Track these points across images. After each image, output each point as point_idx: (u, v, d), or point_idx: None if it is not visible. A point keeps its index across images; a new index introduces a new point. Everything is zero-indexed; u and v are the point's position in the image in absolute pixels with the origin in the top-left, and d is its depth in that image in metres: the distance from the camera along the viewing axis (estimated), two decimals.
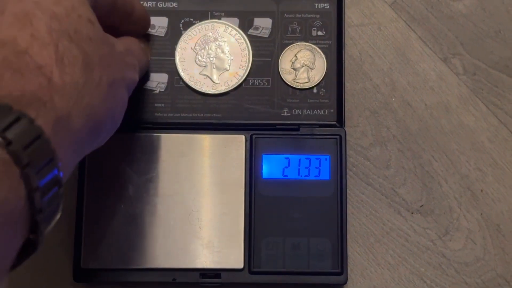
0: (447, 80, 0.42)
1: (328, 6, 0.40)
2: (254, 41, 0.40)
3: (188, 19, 0.40)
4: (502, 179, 0.41)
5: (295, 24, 0.40)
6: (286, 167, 0.38)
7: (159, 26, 0.40)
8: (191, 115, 0.39)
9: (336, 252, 0.37)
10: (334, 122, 0.39)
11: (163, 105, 0.39)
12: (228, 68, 0.40)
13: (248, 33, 0.40)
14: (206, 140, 0.39)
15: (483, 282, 0.39)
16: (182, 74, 0.39)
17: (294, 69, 0.40)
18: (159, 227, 0.37)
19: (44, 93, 0.25)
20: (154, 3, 0.40)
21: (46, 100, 0.25)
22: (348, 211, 0.39)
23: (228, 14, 0.40)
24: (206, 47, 0.40)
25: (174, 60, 0.40)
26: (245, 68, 0.39)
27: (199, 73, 0.39)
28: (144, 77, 0.39)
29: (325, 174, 0.38)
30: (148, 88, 0.39)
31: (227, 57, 0.40)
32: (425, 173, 0.41)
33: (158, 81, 0.39)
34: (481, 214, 0.40)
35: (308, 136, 0.39)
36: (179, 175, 0.38)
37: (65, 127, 0.25)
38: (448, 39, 0.43)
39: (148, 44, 0.39)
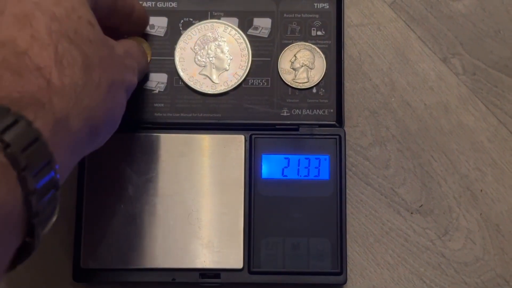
0: (446, 80, 0.42)
1: (328, 6, 0.40)
2: (254, 41, 0.40)
3: (187, 19, 0.40)
4: (502, 179, 0.41)
5: (294, 24, 0.40)
6: (286, 167, 0.38)
7: (158, 26, 0.40)
8: (190, 115, 0.39)
9: (335, 252, 0.37)
10: (334, 122, 0.39)
11: (162, 105, 0.39)
12: (228, 68, 0.40)
13: (248, 33, 0.40)
14: (205, 140, 0.39)
15: (482, 282, 0.39)
16: (181, 74, 0.39)
17: (294, 69, 0.40)
18: (159, 227, 0.37)
19: (43, 95, 0.25)
20: (153, 3, 0.40)
21: (45, 101, 0.24)
22: (348, 211, 0.39)
23: (228, 14, 0.40)
24: (206, 47, 0.40)
25: (173, 60, 0.40)
26: (245, 68, 0.39)
27: (199, 73, 0.39)
28: (144, 78, 0.39)
29: (325, 174, 0.38)
30: (147, 88, 0.39)
31: (227, 57, 0.40)
32: (425, 173, 0.41)
33: (157, 81, 0.39)
34: (481, 214, 0.40)
35: (308, 136, 0.39)
36: (179, 175, 0.38)
37: (64, 129, 0.25)
38: (447, 39, 0.43)
39: (149, 45, 0.39)
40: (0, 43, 0.25)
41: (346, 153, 0.39)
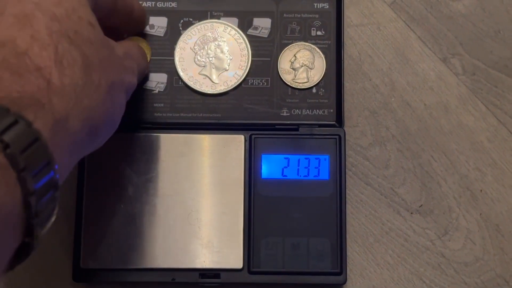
0: (446, 80, 0.42)
1: (328, 6, 0.40)
2: (254, 41, 0.40)
3: (187, 19, 0.40)
4: (502, 179, 0.41)
5: (294, 24, 0.40)
6: (286, 167, 0.38)
7: (158, 26, 0.40)
8: (190, 115, 0.39)
9: (335, 252, 0.37)
10: (334, 122, 0.39)
11: (162, 105, 0.39)
12: (228, 68, 0.40)
13: (248, 33, 0.40)
14: (205, 140, 0.39)
15: (482, 282, 0.39)
16: (181, 74, 0.39)
17: (294, 69, 0.40)
18: (159, 227, 0.37)
19: (43, 95, 0.25)
20: (153, 3, 0.40)
21: (44, 101, 0.24)
22: (348, 211, 0.39)
23: (228, 14, 0.40)
24: (205, 47, 0.40)
25: (173, 60, 0.40)
26: (244, 68, 0.39)
27: (199, 73, 0.39)
28: (144, 78, 0.39)
29: (325, 174, 0.38)
30: (147, 88, 0.39)
31: (226, 57, 0.40)
32: (425, 173, 0.41)
33: (157, 81, 0.39)
34: (480, 214, 0.40)
35: (308, 136, 0.39)
36: (179, 175, 0.38)
37: (63, 129, 0.25)
38: (447, 39, 0.43)
39: (148, 45, 0.39)
40: (0, 43, 0.25)
41: (346, 153, 0.39)
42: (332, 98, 0.39)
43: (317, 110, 0.39)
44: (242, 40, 0.40)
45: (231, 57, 0.40)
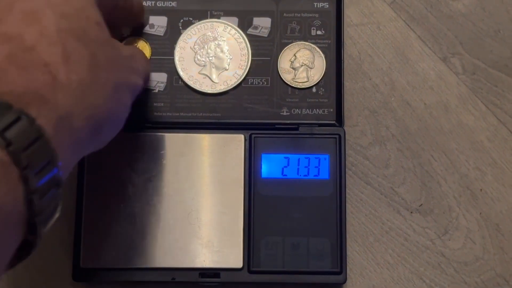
0: (446, 80, 0.42)
1: (328, 6, 0.40)
2: (253, 40, 0.40)
3: (187, 19, 0.40)
4: (502, 178, 0.41)
5: (294, 23, 0.40)
6: (286, 167, 0.38)
7: (158, 25, 0.40)
8: (190, 114, 0.39)
9: (335, 252, 0.37)
10: (333, 122, 0.39)
11: (162, 104, 0.39)
12: (227, 68, 0.40)
13: (247, 32, 0.40)
14: (205, 140, 0.39)
15: (482, 281, 0.39)
16: (181, 73, 0.39)
17: (293, 68, 0.40)
18: (159, 227, 0.37)
19: (48, 91, 0.24)
20: (153, 2, 0.40)
21: (49, 97, 0.24)
22: (348, 211, 0.39)
23: (227, 13, 0.40)
24: (205, 46, 0.40)
25: (173, 60, 0.40)
26: (244, 67, 0.39)
27: (198, 73, 0.39)
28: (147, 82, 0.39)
29: (324, 174, 0.38)
30: (147, 87, 0.39)
31: (226, 56, 0.40)
32: (425, 172, 0.41)
33: (157, 80, 0.39)
34: (480, 213, 0.40)
35: (307, 136, 0.39)
36: (179, 175, 0.38)
37: (67, 126, 0.25)
38: (447, 39, 0.43)
39: (149, 45, 0.39)
40: (7, 37, 0.25)
41: (346, 152, 0.39)
42: (332, 97, 0.39)
43: (317, 110, 0.39)
44: (242, 40, 0.40)
45: (231, 57, 0.40)
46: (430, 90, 0.42)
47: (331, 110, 0.39)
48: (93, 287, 0.39)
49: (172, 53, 0.40)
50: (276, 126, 0.39)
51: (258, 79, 0.40)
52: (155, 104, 0.39)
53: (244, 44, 0.40)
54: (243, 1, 0.40)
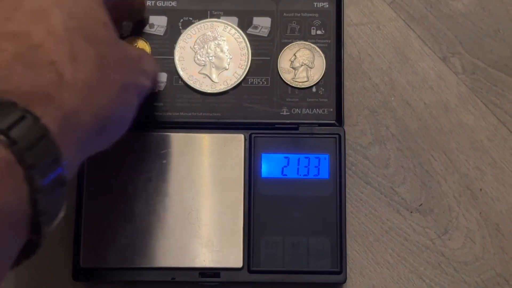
0: (446, 79, 0.42)
1: (327, 5, 0.40)
2: (253, 40, 0.40)
3: (187, 18, 0.40)
4: (501, 178, 0.41)
5: (294, 23, 0.40)
6: (285, 166, 0.38)
7: (158, 25, 0.40)
8: (190, 114, 0.39)
9: (335, 251, 0.37)
10: (333, 121, 0.39)
11: (162, 104, 0.39)
12: (227, 67, 0.40)
13: (247, 32, 0.40)
14: (205, 140, 0.39)
15: (482, 281, 0.39)
16: (181, 73, 0.39)
17: (293, 68, 0.40)
18: (158, 226, 0.37)
19: (54, 89, 0.24)
20: (153, 1, 0.40)
21: (55, 96, 0.24)
22: (347, 210, 0.39)
23: (227, 13, 0.40)
24: (205, 46, 0.40)
25: (173, 59, 0.40)
26: (244, 67, 0.39)
27: (198, 72, 0.39)
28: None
29: (324, 173, 0.38)
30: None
31: (226, 56, 0.40)
32: (424, 172, 0.41)
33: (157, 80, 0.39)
34: (480, 213, 0.40)
35: (307, 135, 0.39)
36: (179, 175, 0.38)
37: (72, 125, 0.25)
38: (447, 38, 0.43)
39: (148, 44, 0.39)
40: (14, 35, 0.25)
41: (346, 152, 0.39)
42: (332, 97, 0.39)
43: (317, 109, 0.39)
44: (242, 39, 0.40)
45: (231, 56, 0.40)
46: (430, 89, 0.42)
47: (331, 109, 0.39)
48: (93, 287, 0.39)
49: (172, 53, 0.40)
50: (276, 125, 0.39)
51: (258, 78, 0.40)
52: (155, 103, 0.39)
53: (244, 44, 0.40)
54: (243, 1, 0.40)
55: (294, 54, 0.40)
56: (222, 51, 0.40)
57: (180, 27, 0.40)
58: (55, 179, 0.24)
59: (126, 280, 0.37)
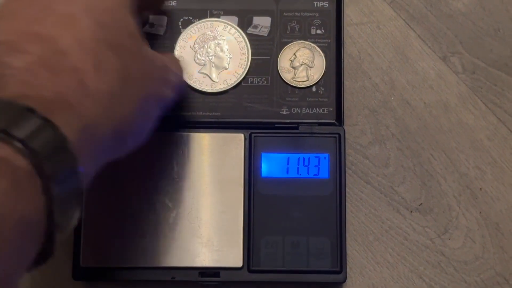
0: (446, 79, 0.42)
1: (327, 5, 0.40)
2: (253, 39, 0.40)
3: (187, 18, 0.40)
4: (501, 177, 0.41)
5: (294, 22, 0.40)
6: (285, 166, 0.38)
7: (158, 25, 0.40)
8: (190, 113, 0.39)
9: (335, 251, 0.37)
10: (333, 121, 0.39)
11: None
12: (227, 67, 0.40)
13: (247, 31, 0.40)
14: (205, 139, 0.39)
15: (482, 280, 0.39)
16: None
17: (293, 67, 0.40)
18: (158, 226, 0.37)
19: (75, 98, 0.24)
20: None
21: (75, 105, 0.24)
22: (347, 210, 0.39)
23: (227, 12, 0.40)
24: (205, 45, 0.40)
25: None
26: (244, 66, 0.39)
27: (198, 72, 0.39)
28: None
29: (324, 173, 0.38)
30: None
31: (226, 55, 0.40)
32: (424, 171, 0.41)
33: None
34: (480, 212, 0.40)
35: (307, 135, 0.39)
36: (178, 174, 0.38)
37: (90, 136, 0.25)
38: (447, 38, 0.43)
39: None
40: (41, 38, 0.25)
41: (346, 151, 0.39)
42: (332, 96, 0.39)
43: (317, 109, 0.39)
44: (242, 39, 0.40)
45: (231, 56, 0.40)
46: (430, 89, 0.42)
47: (331, 109, 0.39)
48: (93, 286, 0.39)
49: (172, 52, 0.40)
50: (276, 125, 0.39)
51: (258, 78, 0.40)
52: None
53: (244, 43, 0.40)
54: (243, 0, 0.40)
55: (294, 54, 0.40)
56: (222, 50, 0.40)
57: (180, 27, 0.40)
58: (72, 191, 0.23)
59: (126, 280, 0.37)
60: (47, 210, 0.22)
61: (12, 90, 0.23)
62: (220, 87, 0.39)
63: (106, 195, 0.38)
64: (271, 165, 0.38)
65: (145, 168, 0.38)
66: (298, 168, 0.38)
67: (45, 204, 0.22)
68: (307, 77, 0.40)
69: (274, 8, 0.40)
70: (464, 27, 0.43)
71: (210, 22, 0.40)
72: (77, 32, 0.25)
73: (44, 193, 0.22)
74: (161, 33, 0.40)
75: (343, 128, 0.39)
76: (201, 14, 0.40)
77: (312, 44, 0.40)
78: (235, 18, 0.40)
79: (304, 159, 0.38)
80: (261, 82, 0.40)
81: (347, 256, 0.38)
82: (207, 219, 0.37)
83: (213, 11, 0.40)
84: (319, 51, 0.40)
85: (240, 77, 0.39)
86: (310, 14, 0.40)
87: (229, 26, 0.40)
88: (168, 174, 0.38)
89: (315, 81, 0.40)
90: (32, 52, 0.24)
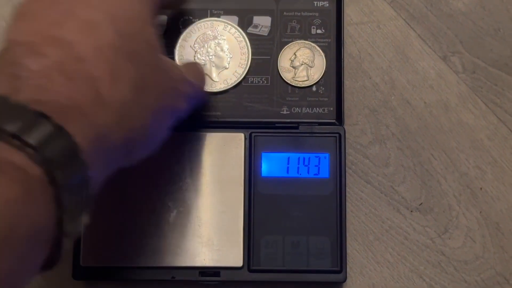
0: (446, 79, 0.42)
1: (328, 4, 0.40)
2: (254, 39, 0.40)
3: (187, 17, 0.40)
4: (502, 177, 0.41)
5: (294, 22, 0.40)
6: (286, 165, 0.38)
7: (158, 24, 0.40)
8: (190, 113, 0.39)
9: (335, 250, 0.37)
10: (334, 120, 0.39)
11: None
12: (227, 66, 0.40)
13: (248, 31, 0.40)
14: (205, 139, 0.39)
15: (482, 280, 0.39)
16: None
17: (294, 67, 0.40)
18: (158, 225, 0.37)
19: (90, 106, 0.24)
20: None
21: (89, 113, 0.24)
22: (348, 209, 0.39)
23: (228, 12, 0.40)
24: (205, 45, 0.40)
25: (173, 58, 0.40)
26: (244, 66, 0.39)
27: None
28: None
29: (325, 172, 0.38)
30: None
31: (226, 55, 0.40)
32: (425, 171, 0.41)
33: None
34: (480, 212, 0.40)
35: (308, 134, 0.39)
36: (178, 174, 0.38)
37: (102, 145, 0.25)
38: (447, 37, 0.43)
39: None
40: (61, 43, 0.24)
41: (346, 151, 0.39)
42: (332, 96, 0.39)
43: (317, 108, 0.39)
44: (242, 38, 0.40)
45: (231, 55, 0.40)
46: (430, 89, 0.42)
47: (331, 109, 0.39)
48: (93, 286, 0.39)
49: (172, 52, 0.40)
50: (276, 125, 0.39)
51: (258, 78, 0.40)
52: None
53: (244, 43, 0.40)
54: (243, 0, 0.40)
55: (294, 53, 0.40)
56: (222, 50, 0.40)
57: (180, 26, 0.40)
58: (82, 200, 0.23)
59: (126, 279, 0.37)
60: (57, 219, 0.22)
61: (27, 93, 0.23)
62: (220, 86, 0.39)
63: (106, 195, 0.38)
64: (271, 164, 0.38)
65: (145, 168, 0.38)
66: (298, 168, 0.38)
67: (56, 213, 0.22)
68: (307, 77, 0.40)
69: (274, 8, 0.40)
70: (464, 27, 0.43)
71: (210, 21, 0.40)
72: (96, 40, 0.25)
73: (55, 202, 0.22)
74: (161, 32, 0.40)
75: (343, 128, 0.39)
76: (201, 14, 0.40)
77: (313, 44, 0.40)
78: (235, 18, 0.40)
79: (304, 158, 0.38)
80: (261, 81, 0.40)
81: (347, 255, 0.38)
82: (207, 219, 0.37)
83: (213, 10, 0.40)
84: (319, 50, 0.40)
85: (240, 76, 0.39)
86: (310, 13, 0.40)
87: (229, 26, 0.40)
88: (168, 174, 0.38)
89: (315, 80, 0.40)
90: (50, 56, 0.24)
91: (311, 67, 0.40)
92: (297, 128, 0.39)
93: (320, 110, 0.39)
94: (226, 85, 0.39)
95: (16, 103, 0.22)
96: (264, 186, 0.38)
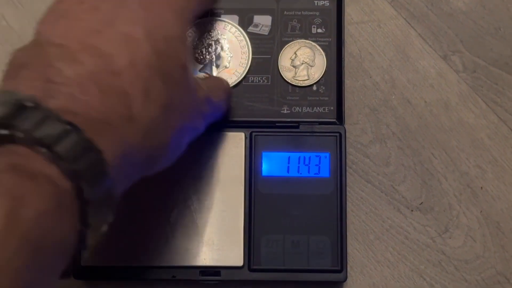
0: (446, 78, 0.42)
1: (328, 4, 0.40)
2: (254, 38, 0.40)
3: None
4: (502, 176, 0.41)
5: (295, 21, 0.40)
6: (286, 165, 0.38)
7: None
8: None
9: (335, 250, 0.37)
10: (334, 120, 0.39)
11: None
12: (228, 66, 0.39)
13: (248, 30, 0.40)
14: (205, 138, 0.38)
15: (482, 279, 0.39)
16: None
17: (294, 66, 0.40)
18: (159, 225, 0.37)
19: (120, 122, 0.24)
20: None
21: (119, 129, 0.24)
22: (348, 209, 0.39)
23: (228, 11, 0.40)
24: (206, 44, 0.40)
25: None
26: (245, 65, 0.39)
27: (199, 71, 0.39)
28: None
29: (325, 172, 0.38)
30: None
31: (227, 54, 0.40)
32: (425, 170, 0.41)
33: None
34: (481, 211, 0.40)
35: (308, 134, 0.39)
36: (179, 173, 0.38)
37: (127, 162, 0.25)
38: (447, 37, 0.43)
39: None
40: (98, 52, 0.24)
41: (347, 150, 0.39)
42: (333, 95, 0.39)
43: (318, 108, 0.39)
44: (242, 38, 0.40)
45: (231, 55, 0.40)
46: (430, 88, 0.42)
47: (332, 108, 0.39)
48: (93, 285, 0.39)
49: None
50: (277, 124, 0.39)
51: (258, 77, 0.40)
52: None
53: (244, 42, 0.40)
54: None
55: (295, 53, 0.40)
56: (222, 49, 0.40)
57: None
58: (105, 218, 0.24)
59: (126, 279, 0.37)
60: (80, 232, 0.22)
61: (59, 101, 0.23)
62: None
63: None
64: (272, 164, 0.38)
65: None
66: (298, 167, 0.38)
67: (79, 226, 0.22)
68: (308, 76, 0.40)
69: (274, 7, 0.40)
70: (464, 26, 0.43)
71: (211, 21, 0.40)
72: (133, 55, 0.25)
73: (80, 215, 0.22)
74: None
75: (344, 127, 0.39)
76: (202, 13, 0.40)
77: (313, 43, 0.40)
78: (236, 17, 0.40)
79: (304, 158, 0.38)
80: (261, 81, 0.40)
81: (347, 255, 0.38)
82: (208, 218, 0.37)
83: (213, 10, 0.40)
84: (319, 50, 0.40)
85: (240, 76, 0.39)
86: (311, 13, 0.40)
87: (229, 25, 0.40)
88: (168, 173, 0.38)
89: (316, 80, 0.40)
90: (86, 65, 0.24)
91: (311, 66, 0.40)
92: (297, 127, 0.39)
93: (321, 110, 0.39)
94: None
95: (48, 110, 0.22)
96: (265, 186, 0.38)
